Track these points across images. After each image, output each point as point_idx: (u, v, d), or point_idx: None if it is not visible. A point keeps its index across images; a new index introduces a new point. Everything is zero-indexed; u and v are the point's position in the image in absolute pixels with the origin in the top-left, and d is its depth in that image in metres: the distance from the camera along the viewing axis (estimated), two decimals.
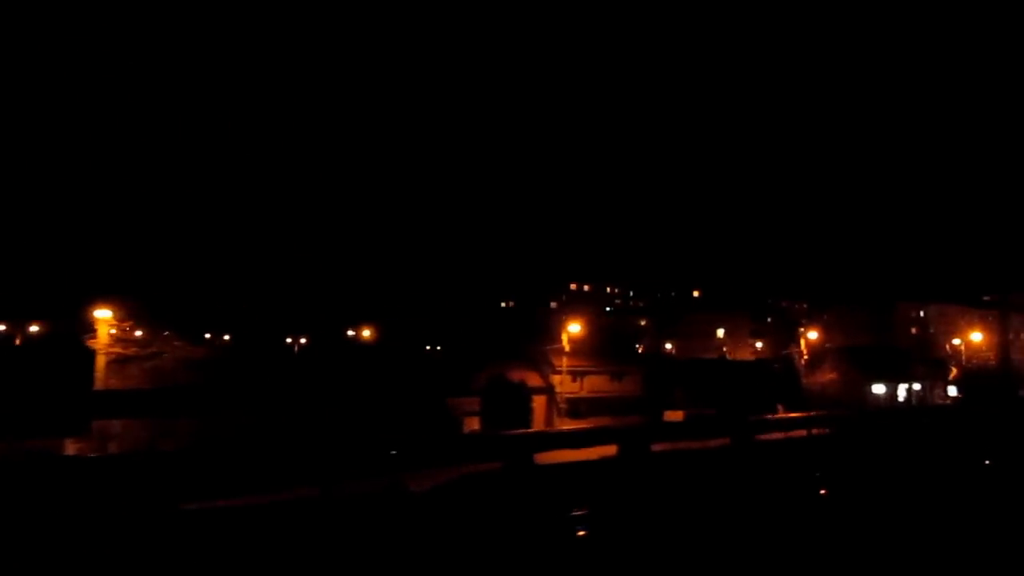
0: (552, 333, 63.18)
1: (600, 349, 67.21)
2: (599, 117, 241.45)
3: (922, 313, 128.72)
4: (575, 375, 65.32)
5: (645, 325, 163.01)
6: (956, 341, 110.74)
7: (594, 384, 66.55)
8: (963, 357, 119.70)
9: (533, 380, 62.83)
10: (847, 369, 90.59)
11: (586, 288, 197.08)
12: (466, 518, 33.48)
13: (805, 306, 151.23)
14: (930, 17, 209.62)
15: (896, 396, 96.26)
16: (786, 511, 36.77)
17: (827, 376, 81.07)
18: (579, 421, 63.09)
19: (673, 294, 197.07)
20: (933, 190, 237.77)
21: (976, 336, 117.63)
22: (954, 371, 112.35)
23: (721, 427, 61.28)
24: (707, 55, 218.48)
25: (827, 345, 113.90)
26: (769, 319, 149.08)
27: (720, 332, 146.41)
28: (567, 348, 61.38)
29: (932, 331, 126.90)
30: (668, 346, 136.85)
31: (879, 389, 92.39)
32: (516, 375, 61.71)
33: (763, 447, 57.27)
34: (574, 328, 61.26)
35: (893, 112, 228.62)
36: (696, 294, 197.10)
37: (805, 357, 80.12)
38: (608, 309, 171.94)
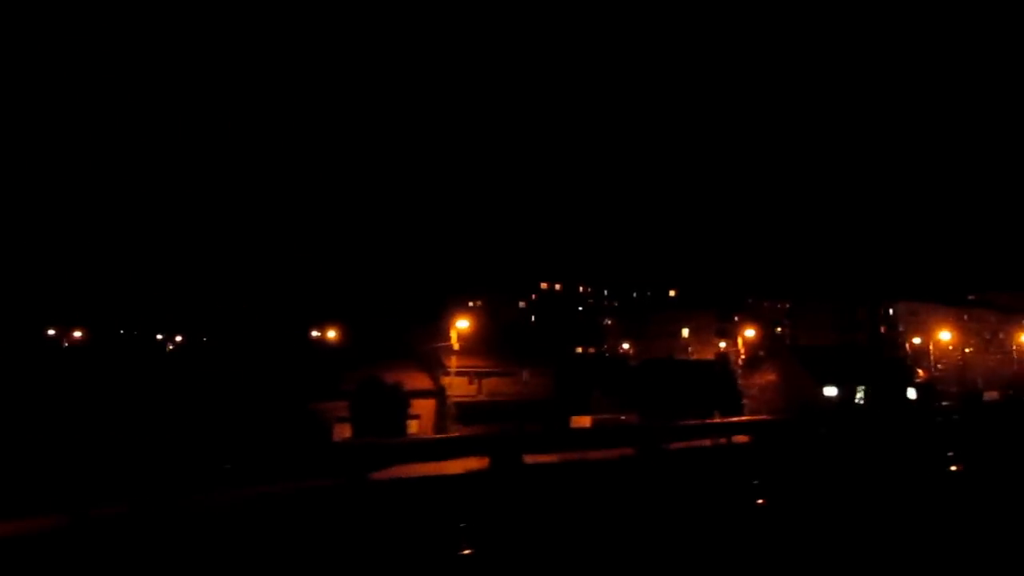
0: (445, 330, 56.70)
1: (502, 348, 60.61)
2: (579, 114, 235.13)
3: (891, 311, 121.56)
4: (471, 377, 58.81)
5: (610, 325, 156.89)
6: (916, 340, 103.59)
7: (494, 386, 60.05)
8: (931, 358, 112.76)
9: (420, 382, 56.43)
10: (796, 371, 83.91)
11: (557, 288, 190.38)
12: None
13: (787, 305, 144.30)
14: (909, 20, 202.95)
15: (852, 398, 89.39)
16: (663, 541, 30.41)
17: (766, 378, 74.30)
18: (474, 428, 56.65)
19: (649, 294, 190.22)
20: (908, 187, 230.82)
21: (945, 336, 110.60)
22: (921, 374, 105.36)
23: (628, 435, 54.96)
24: (680, 57, 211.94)
25: (789, 344, 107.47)
26: (736, 318, 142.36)
27: (685, 332, 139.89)
28: (456, 346, 54.86)
29: (901, 330, 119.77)
30: (626, 346, 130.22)
31: (831, 391, 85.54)
32: (398, 376, 55.30)
33: (671, 457, 50.77)
34: (462, 324, 54.69)
35: (870, 110, 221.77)
36: (672, 294, 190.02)
37: (742, 357, 73.36)
38: (522, 305, 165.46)
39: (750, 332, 74.86)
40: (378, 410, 49.78)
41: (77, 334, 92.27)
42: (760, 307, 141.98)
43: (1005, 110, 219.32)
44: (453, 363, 54.98)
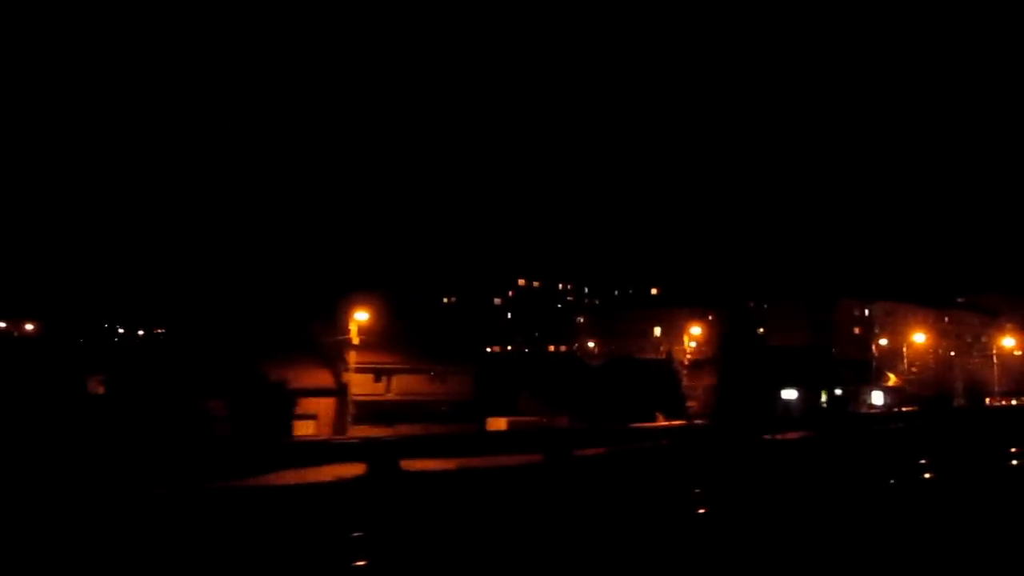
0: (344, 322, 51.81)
1: (415, 343, 55.83)
2: (566, 111, 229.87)
3: (867, 312, 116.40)
4: (379, 374, 54.06)
5: (583, 323, 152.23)
6: (884, 341, 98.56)
7: (406, 385, 55.26)
8: (904, 361, 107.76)
9: (319, 378, 51.71)
10: (753, 372, 79.06)
11: (535, 285, 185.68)
12: None
13: (764, 305, 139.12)
14: (893, 22, 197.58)
15: (815, 402, 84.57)
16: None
17: (712, 379, 69.46)
18: (381, 428, 51.94)
19: (631, 291, 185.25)
20: (899, 187, 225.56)
21: (919, 337, 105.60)
22: (892, 378, 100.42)
23: (541, 440, 50.11)
24: (660, 55, 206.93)
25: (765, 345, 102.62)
26: (711, 316, 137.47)
27: (657, 331, 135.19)
28: (355, 340, 50.10)
29: (877, 331, 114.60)
30: (591, 344, 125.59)
31: (789, 394, 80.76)
32: (296, 371, 50.63)
33: (583, 464, 45.64)
34: (361, 316, 49.89)
35: (861, 108, 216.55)
36: (654, 291, 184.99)
37: (689, 357, 68.53)
38: (497, 302, 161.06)
39: (696, 330, 69.88)
40: (259, 409, 45.06)
41: (29, 327, 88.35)
42: (748, 307, 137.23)
43: (1002, 109, 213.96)
44: (352, 358, 50.22)
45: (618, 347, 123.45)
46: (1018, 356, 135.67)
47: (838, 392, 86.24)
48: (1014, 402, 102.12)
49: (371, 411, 52.58)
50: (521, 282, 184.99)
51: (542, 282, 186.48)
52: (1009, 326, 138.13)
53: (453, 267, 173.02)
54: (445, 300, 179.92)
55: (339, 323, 50.70)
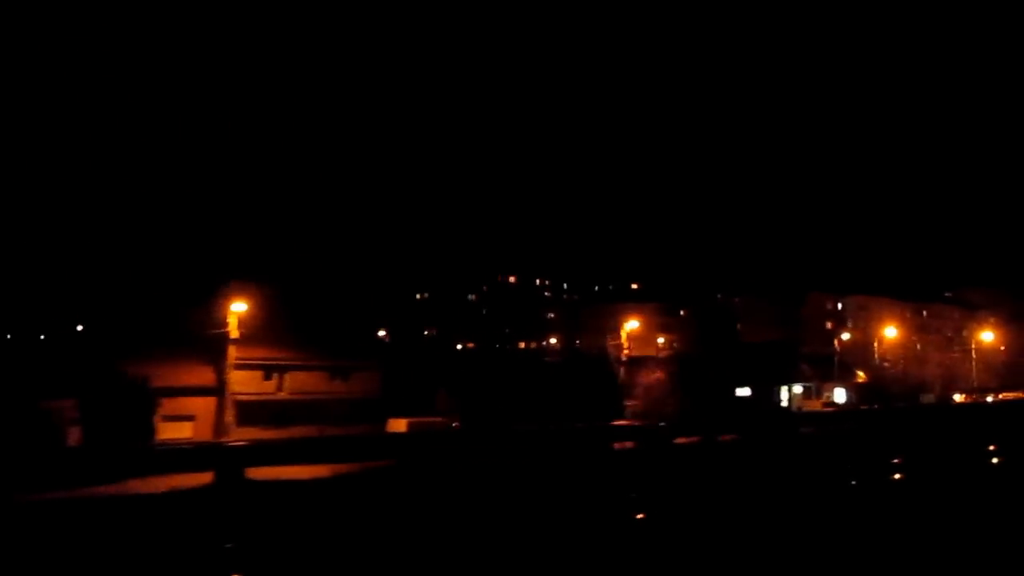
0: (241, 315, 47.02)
1: (312, 337, 51.12)
2: (542, 103, 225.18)
3: (839, 306, 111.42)
4: (269, 371, 49.45)
5: (554, 318, 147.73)
6: (845, 336, 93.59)
7: (302, 383, 50.59)
8: (876, 356, 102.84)
9: (196, 376, 47.10)
10: (706, 368, 74.30)
11: (512, 280, 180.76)
12: None
13: (736, 299, 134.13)
14: (859, 14, 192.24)
15: (774, 400, 79.74)
16: None
17: (653, 376, 64.60)
18: (270, 431, 47.38)
19: (611, 287, 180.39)
20: (879, 180, 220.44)
21: (890, 332, 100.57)
22: (861, 375, 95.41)
23: (438, 442, 45.66)
24: (629, 51, 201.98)
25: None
26: (682, 312, 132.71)
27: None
28: (234, 334, 45.49)
29: (846, 326, 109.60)
30: (553, 340, 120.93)
31: (744, 392, 75.93)
32: (172, 368, 46.09)
33: (436, 472, 40.81)
34: (239, 307, 45.23)
35: (853, 101, 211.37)
36: (634, 287, 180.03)
37: (626, 352, 63.70)
38: (472, 298, 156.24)
39: (633, 323, 65.05)
40: (115, 410, 40.49)
41: None
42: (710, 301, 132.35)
43: (995, 103, 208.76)
44: (231, 353, 45.58)
45: (586, 344, 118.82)
46: (1002, 351, 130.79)
47: (798, 389, 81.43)
48: (989, 399, 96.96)
49: (259, 412, 47.98)
50: (498, 277, 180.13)
51: (519, 277, 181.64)
52: (992, 320, 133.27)
53: (425, 261, 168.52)
54: (418, 296, 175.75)
55: (219, 315, 46.05)
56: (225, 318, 45.35)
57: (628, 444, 47.54)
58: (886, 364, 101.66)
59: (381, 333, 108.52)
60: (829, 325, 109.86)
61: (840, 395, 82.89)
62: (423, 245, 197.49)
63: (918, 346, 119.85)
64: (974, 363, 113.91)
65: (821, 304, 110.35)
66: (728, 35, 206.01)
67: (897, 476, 35.67)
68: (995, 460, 33.65)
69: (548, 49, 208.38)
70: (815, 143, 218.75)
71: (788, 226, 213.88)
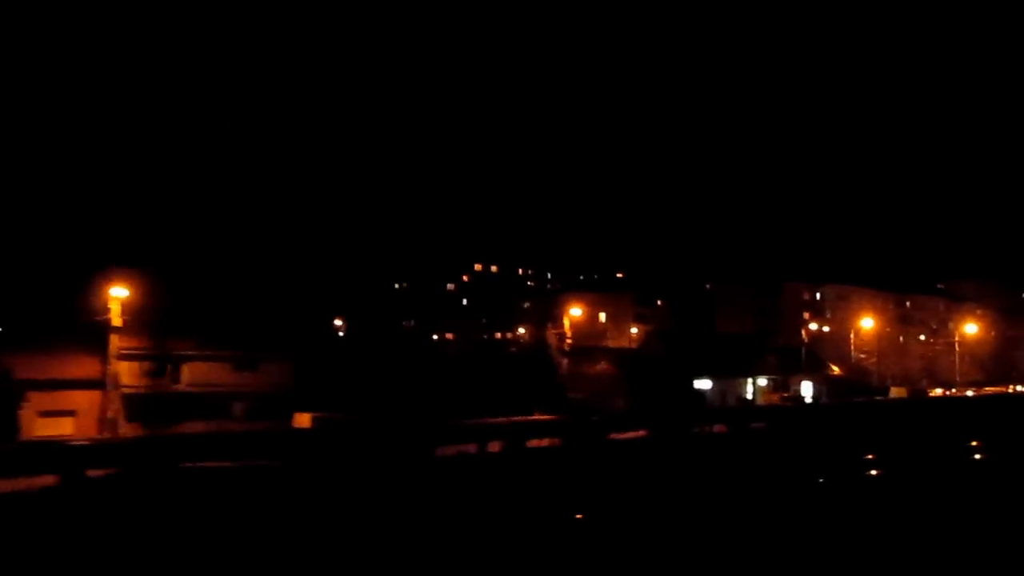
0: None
1: (213, 326, 47.33)
2: (529, 91, 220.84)
3: (817, 296, 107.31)
4: (163, 362, 45.70)
5: (528, 308, 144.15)
6: (813, 326, 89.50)
7: (202, 375, 46.82)
8: (852, 347, 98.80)
9: (80, 367, 43.39)
10: (663, 360, 70.45)
11: (493, 269, 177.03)
12: None
13: (709, 287, 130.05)
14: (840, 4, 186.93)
15: (739, 394, 75.77)
16: None
17: (598, 367, 60.73)
18: (162, 427, 43.71)
19: (596, 276, 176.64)
20: (872, 170, 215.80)
21: (867, 323, 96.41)
22: (835, 368, 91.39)
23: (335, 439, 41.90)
24: (612, 40, 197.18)
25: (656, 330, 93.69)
26: (660, 302, 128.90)
27: (602, 316, 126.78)
28: (117, 322, 41.70)
29: (828, 317, 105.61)
30: (521, 331, 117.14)
31: (703, 384, 71.98)
32: (54, 359, 42.47)
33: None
34: (119, 292, 41.39)
35: (848, 93, 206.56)
36: (619, 275, 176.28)
37: (569, 341, 59.76)
38: (450, 287, 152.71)
39: (576, 311, 60.99)
40: None
41: None
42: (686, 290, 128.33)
43: (979, 96, 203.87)
44: (114, 343, 41.84)
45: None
46: (988, 344, 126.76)
47: (763, 382, 77.33)
48: (969, 393, 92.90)
49: (151, 406, 44.26)
50: (477, 266, 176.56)
51: (500, 267, 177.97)
52: (979, 312, 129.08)
53: (403, 250, 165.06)
54: (396, 286, 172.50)
55: (102, 302, 42.28)
56: (107, 305, 41.56)
57: (545, 441, 43.59)
58: (862, 356, 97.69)
59: (338, 323, 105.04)
60: (806, 315, 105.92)
61: (807, 389, 78.83)
62: (401, 233, 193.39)
63: (901, 338, 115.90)
64: (957, 356, 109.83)
65: (798, 294, 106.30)
66: (699, 21, 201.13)
67: (821, 480, 31.65)
68: (957, 465, 29.45)
69: (526, 38, 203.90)
70: (816, 137, 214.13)
71: (781, 216, 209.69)
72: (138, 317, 43.43)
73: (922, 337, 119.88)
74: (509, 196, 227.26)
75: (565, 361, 59.11)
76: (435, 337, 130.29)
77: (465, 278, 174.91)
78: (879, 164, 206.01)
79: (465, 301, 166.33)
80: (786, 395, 72.93)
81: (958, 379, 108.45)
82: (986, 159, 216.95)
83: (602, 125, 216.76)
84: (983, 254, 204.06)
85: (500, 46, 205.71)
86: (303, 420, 45.40)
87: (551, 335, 60.95)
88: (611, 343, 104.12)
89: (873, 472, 31.53)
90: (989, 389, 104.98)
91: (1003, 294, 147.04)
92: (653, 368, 66.09)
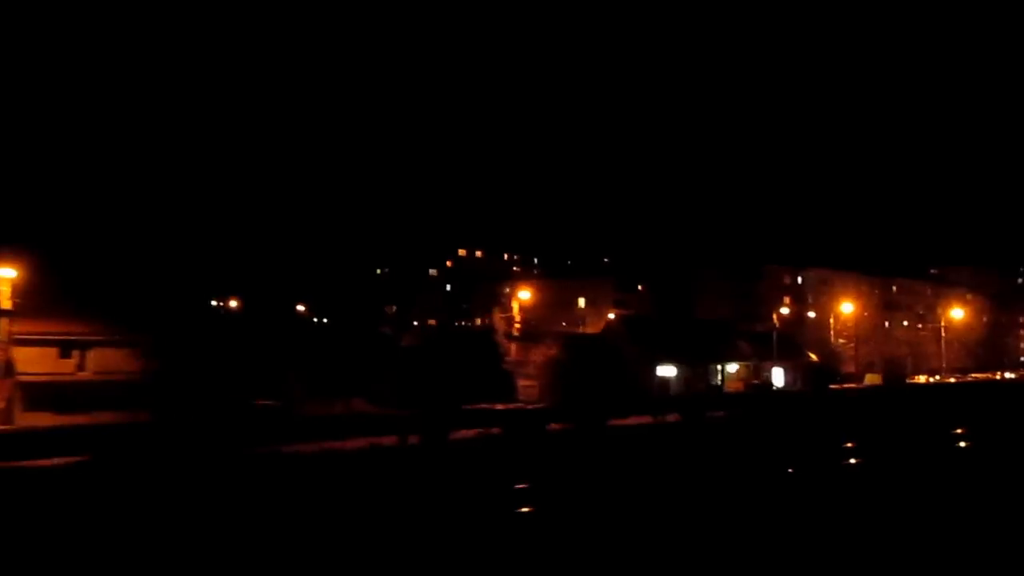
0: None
1: (119, 308, 44.34)
2: (514, 73, 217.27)
3: (799, 280, 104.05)
4: (66, 347, 42.82)
5: (509, 292, 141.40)
6: (784, 311, 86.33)
7: (109, 362, 43.91)
8: (832, 333, 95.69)
9: None
10: (623, 346, 67.44)
11: (478, 254, 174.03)
12: None
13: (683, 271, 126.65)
14: None
15: (707, 381, 72.77)
16: None
17: (545, 353, 57.68)
18: (67, 417, 40.88)
19: (583, 261, 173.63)
20: (862, 154, 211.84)
21: (847, 307, 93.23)
22: (812, 356, 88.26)
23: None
24: (600, 21, 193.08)
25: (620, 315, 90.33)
26: (640, 287, 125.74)
27: (581, 302, 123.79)
28: (7, 304, 38.83)
29: (811, 301, 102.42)
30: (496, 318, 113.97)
31: (667, 371, 68.98)
32: None
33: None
34: (6, 273, 38.47)
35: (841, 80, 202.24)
36: (606, 260, 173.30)
37: (517, 326, 56.69)
38: (433, 273, 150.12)
39: (525, 295, 57.60)
40: None
41: None
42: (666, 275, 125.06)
43: (969, 81, 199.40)
44: (3, 327, 38.96)
45: (541, 320, 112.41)
46: (978, 330, 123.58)
47: (733, 368, 74.31)
48: (952, 380, 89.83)
49: (53, 395, 41.42)
50: (461, 252, 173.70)
51: (485, 252, 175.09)
52: (969, 297, 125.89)
53: (382, 234, 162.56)
54: (378, 271, 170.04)
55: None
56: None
57: (473, 433, 40.40)
58: (841, 342, 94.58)
59: (300, 308, 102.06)
60: (787, 300, 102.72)
61: (778, 376, 75.78)
62: (381, 218, 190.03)
63: (887, 324, 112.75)
64: (943, 342, 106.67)
65: (779, 278, 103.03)
66: (680, 9, 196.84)
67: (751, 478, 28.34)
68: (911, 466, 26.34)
69: (505, 24, 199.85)
70: (809, 125, 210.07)
71: (769, 201, 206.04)
72: (39, 300, 40.57)
73: (907, 323, 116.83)
74: (496, 181, 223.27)
75: (513, 347, 56.10)
76: (415, 323, 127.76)
77: (449, 263, 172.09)
78: (872, 148, 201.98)
79: (449, 287, 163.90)
80: (755, 382, 69.89)
81: (944, 366, 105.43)
82: (981, 146, 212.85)
83: (587, 110, 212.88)
84: (979, 241, 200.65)
85: (479, 31, 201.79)
86: None
87: (498, 319, 57.85)
88: (590, 329, 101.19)
89: (852, 461, 28.41)
90: (976, 376, 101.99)
91: (997, 280, 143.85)
92: (607, 354, 63.07)
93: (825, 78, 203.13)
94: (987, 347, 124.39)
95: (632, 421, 47.96)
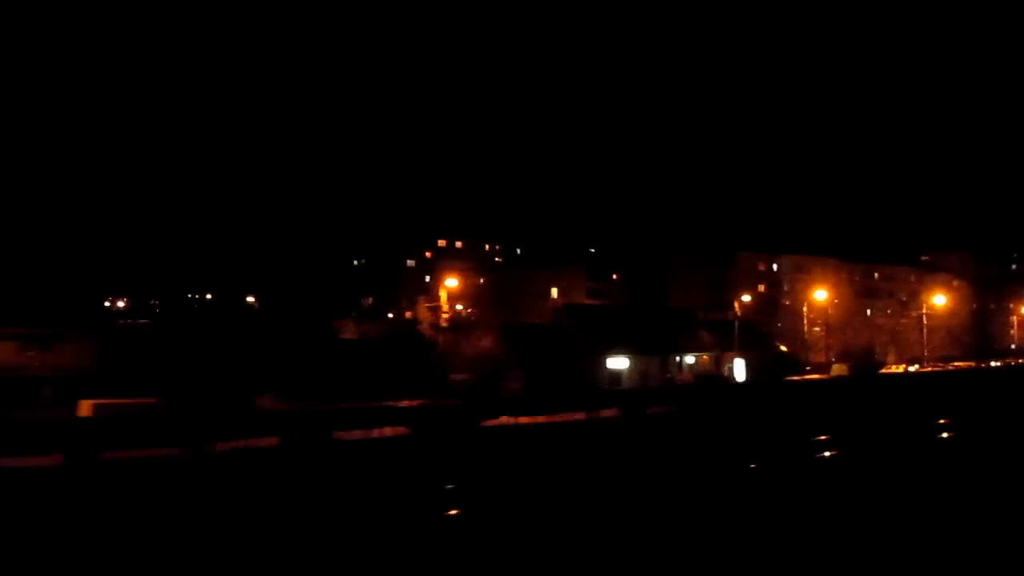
0: None
1: (27, 302, 40.96)
2: (495, 59, 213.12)
3: (774, 267, 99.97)
4: None
5: (483, 284, 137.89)
6: (746, 298, 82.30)
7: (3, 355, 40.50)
8: (805, 322, 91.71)
9: None
10: (565, 337, 63.69)
11: (458, 244, 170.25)
12: None
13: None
14: None
15: (663, 373, 69.00)
16: None
17: (478, 344, 53.96)
18: None
19: (568, 249, 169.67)
20: (852, 142, 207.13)
21: (820, 295, 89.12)
22: (781, 346, 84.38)
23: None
24: (575, 10, 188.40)
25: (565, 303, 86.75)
26: (615, 276, 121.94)
27: (554, 292, 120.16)
28: None
29: (786, 289, 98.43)
30: (465, 308, 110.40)
31: (618, 364, 65.26)
32: None
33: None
34: None
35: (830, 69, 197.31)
36: (592, 250, 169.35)
37: (445, 316, 52.95)
38: (410, 264, 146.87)
39: (452, 282, 53.68)
40: None
41: None
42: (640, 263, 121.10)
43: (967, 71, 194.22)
44: None
45: (513, 311, 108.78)
46: (964, 317, 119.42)
47: (690, 360, 70.46)
48: (929, 368, 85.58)
49: None
50: (442, 242, 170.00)
51: (466, 242, 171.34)
52: (955, 283, 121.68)
53: (359, 225, 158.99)
54: (356, 262, 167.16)
55: None
56: None
57: (388, 431, 36.70)
58: (816, 330, 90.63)
59: (250, 299, 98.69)
60: (762, 288, 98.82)
61: (739, 367, 71.94)
62: (359, 209, 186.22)
63: (868, 312, 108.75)
64: (925, 330, 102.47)
65: (752, 265, 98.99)
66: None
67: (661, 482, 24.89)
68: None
69: (474, 11, 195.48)
70: (802, 115, 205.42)
71: (751, 189, 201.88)
72: None
73: (891, 311, 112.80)
74: (477, 171, 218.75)
75: (442, 338, 52.40)
76: (390, 315, 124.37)
77: (428, 254, 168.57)
78: (862, 134, 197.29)
79: (428, 278, 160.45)
80: (704, 373, 66.07)
81: (926, 354, 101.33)
82: (974, 132, 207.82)
83: (564, 99, 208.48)
84: (972, 228, 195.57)
85: (448, 21, 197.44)
86: (85, 408, 39.01)
87: (423, 309, 54.03)
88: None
89: (826, 455, 25.40)
90: (958, 364, 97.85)
91: (987, 266, 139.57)
92: (552, 345, 59.36)
93: (812, 67, 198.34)
94: (975, 335, 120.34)
95: (522, 419, 44.18)
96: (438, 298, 53.16)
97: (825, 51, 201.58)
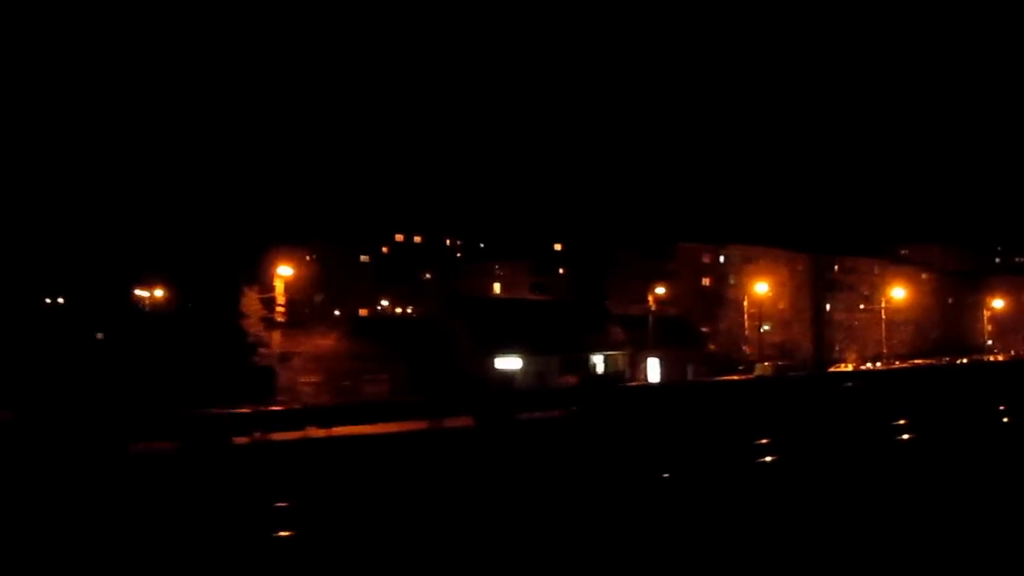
0: None
1: None
2: (453, 49, 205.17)
3: (720, 258, 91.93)
4: None
5: (431, 279, 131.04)
6: (660, 290, 74.19)
7: None
8: (745, 317, 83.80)
9: None
10: (449, 335, 56.23)
11: (416, 240, 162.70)
12: None
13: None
14: None
15: (565, 375, 61.35)
16: None
17: (317, 343, 46.53)
18: None
19: (533, 245, 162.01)
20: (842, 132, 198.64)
21: (761, 287, 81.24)
22: (712, 347, 76.59)
23: None
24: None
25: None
26: (562, 270, 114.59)
27: (496, 287, 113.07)
28: None
29: (732, 283, 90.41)
30: (395, 305, 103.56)
31: (509, 364, 57.58)
32: None
33: None
34: None
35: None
36: (558, 247, 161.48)
37: (280, 310, 45.42)
38: (364, 259, 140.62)
39: (286, 270, 45.81)
40: None
41: None
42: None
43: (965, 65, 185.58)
44: None
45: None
46: (933, 312, 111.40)
47: (598, 361, 62.68)
48: (878, 365, 77.71)
49: None
50: (399, 237, 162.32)
51: (424, 236, 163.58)
52: (924, 276, 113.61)
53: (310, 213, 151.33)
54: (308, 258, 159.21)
55: None
56: None
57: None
58: (764, 327, 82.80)
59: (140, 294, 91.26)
60: (707, 281, 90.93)
61: (654, 366, 64.21)
62: (308, 201, 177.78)
63: (827, 307, 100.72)
64: (885, 325, 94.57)
65: (696, 256, 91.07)
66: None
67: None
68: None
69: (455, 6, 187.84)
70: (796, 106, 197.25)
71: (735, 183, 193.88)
72: None
73: (859, 305, 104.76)
74: (437, 166, 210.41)
75: (277, 335, 44.92)
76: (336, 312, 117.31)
77: (385, 249, 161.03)
78: (845, 125, 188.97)
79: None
80: (588, 374, 58.38)
81: (885, 351, 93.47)
82: (955, 123, 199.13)
83: (516, 93, 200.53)
84: (953, 220, 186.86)
85: (408, 13, 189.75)
86: None
87: (252, 300, 46.45)
88: None
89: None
90: (918, 361, 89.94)
91: (969, 259, 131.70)
92: (429, 342, 51.94)
93: (811, 68, 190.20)
94: (945, 330, 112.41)
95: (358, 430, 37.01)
96: (272, 288, 45.42)
97: (804, 41, 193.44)
